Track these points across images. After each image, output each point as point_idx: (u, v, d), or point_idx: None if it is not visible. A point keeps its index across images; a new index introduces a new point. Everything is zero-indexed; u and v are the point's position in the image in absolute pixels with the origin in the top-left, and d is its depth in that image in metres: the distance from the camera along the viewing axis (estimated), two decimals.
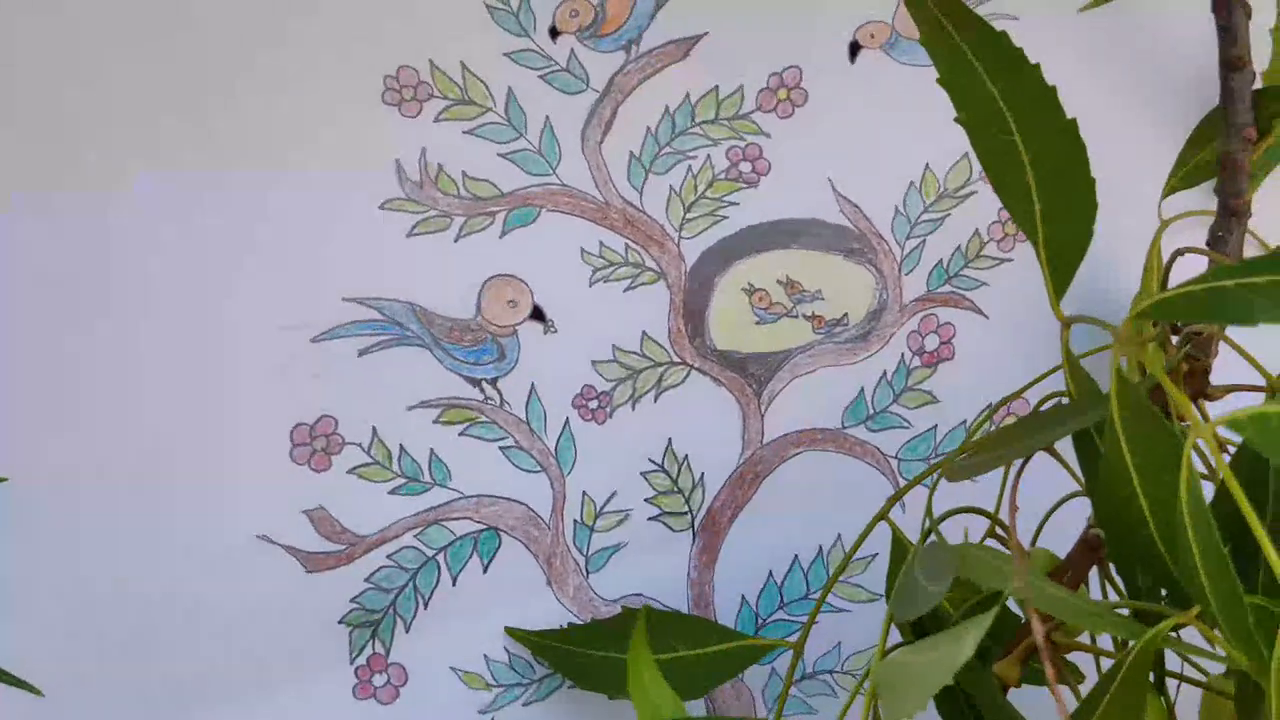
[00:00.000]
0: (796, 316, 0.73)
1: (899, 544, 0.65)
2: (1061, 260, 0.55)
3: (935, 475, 0.60)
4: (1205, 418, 0.60)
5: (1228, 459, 0.53)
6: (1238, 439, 0.46)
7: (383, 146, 0.69)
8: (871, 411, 0.74)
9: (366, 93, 0.68)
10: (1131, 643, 0.48)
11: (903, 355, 0.74)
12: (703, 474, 0.73)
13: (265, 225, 0.67)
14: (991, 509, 0.63)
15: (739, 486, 0.73)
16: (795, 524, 0.74)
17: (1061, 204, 0.54)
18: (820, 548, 0.74)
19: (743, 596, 0.74)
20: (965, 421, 0.75)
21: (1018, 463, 0.56)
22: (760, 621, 0.74)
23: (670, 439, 0.73)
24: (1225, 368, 0.64)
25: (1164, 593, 0.54)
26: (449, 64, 0.69)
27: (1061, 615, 0.48)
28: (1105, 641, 0.62)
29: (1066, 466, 0.60)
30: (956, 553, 0.52)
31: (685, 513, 0.73)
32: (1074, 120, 0.53)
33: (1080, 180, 0.54)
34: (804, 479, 0.74)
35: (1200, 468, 0.49)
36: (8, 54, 0.64)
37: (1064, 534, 0.62)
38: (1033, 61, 0.53)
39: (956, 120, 0.54)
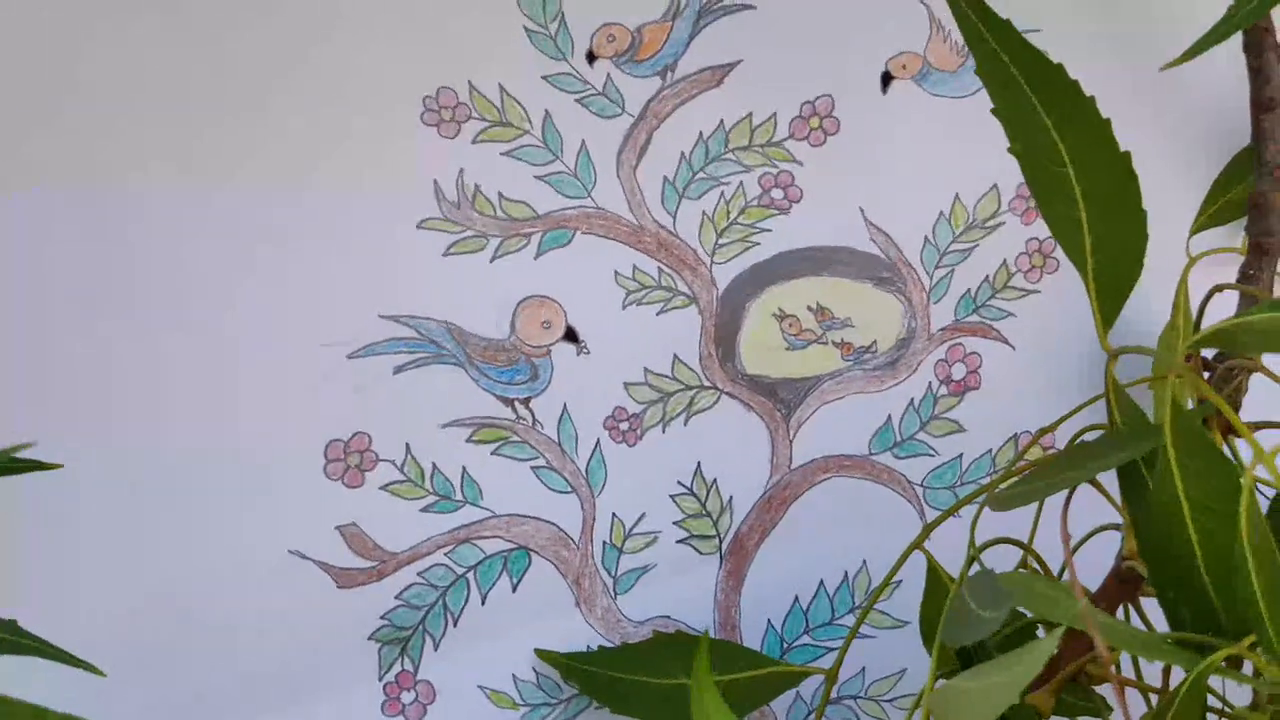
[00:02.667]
0: (826, 343, 0.74)
1: (934, 573, 0.65)
2: (1110, 292, 0.56)
3: (978, 504, 0.60)
4: (1236, 453, 0.61)
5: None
6: None
7: (421, 166, 0.69)
8: (898, 439, 0.75)
9: (406, 113, 0.69)
10: (1176, 675, 0.49)
11: (930, 384, 0.75)
12: (731, 497, 0.73)
13: (303, 242, 0.67)
14: (1020, 538, 0.63)
15: (767, 511, 0.74)
16: (822, 549, 0.75)
17: (1112, 236, 0.55)
18: (846, 573, 0.75)
19: (769, 620, 0.74)
20: (991, 450, 0.76)
21: (1063, 494, 0.56)
22: (786, 646, 0.74)
23: (699, 462, 0.73)
24: (1249, 407, 0.65)
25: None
26: (487, 86, 0.69)
27: (1120, 644, 0.48)
28: (1128, 672, 0.62)
29: (1108, 497, 0.60)
30: (1011, 581, 0.52)
31: (713, 536, 0.73)
32: (1128, 153, 0.54)
33: (1132, 213, 0.55)
34: (831, 504, 0.74)
35: None
36: (58, 63, 0.64)
37: (1086, 566, 0.62)
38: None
39: (1010, 151, 0.55)
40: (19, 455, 0.50)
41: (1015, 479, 0.59)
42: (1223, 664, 0.50)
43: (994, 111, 0.55)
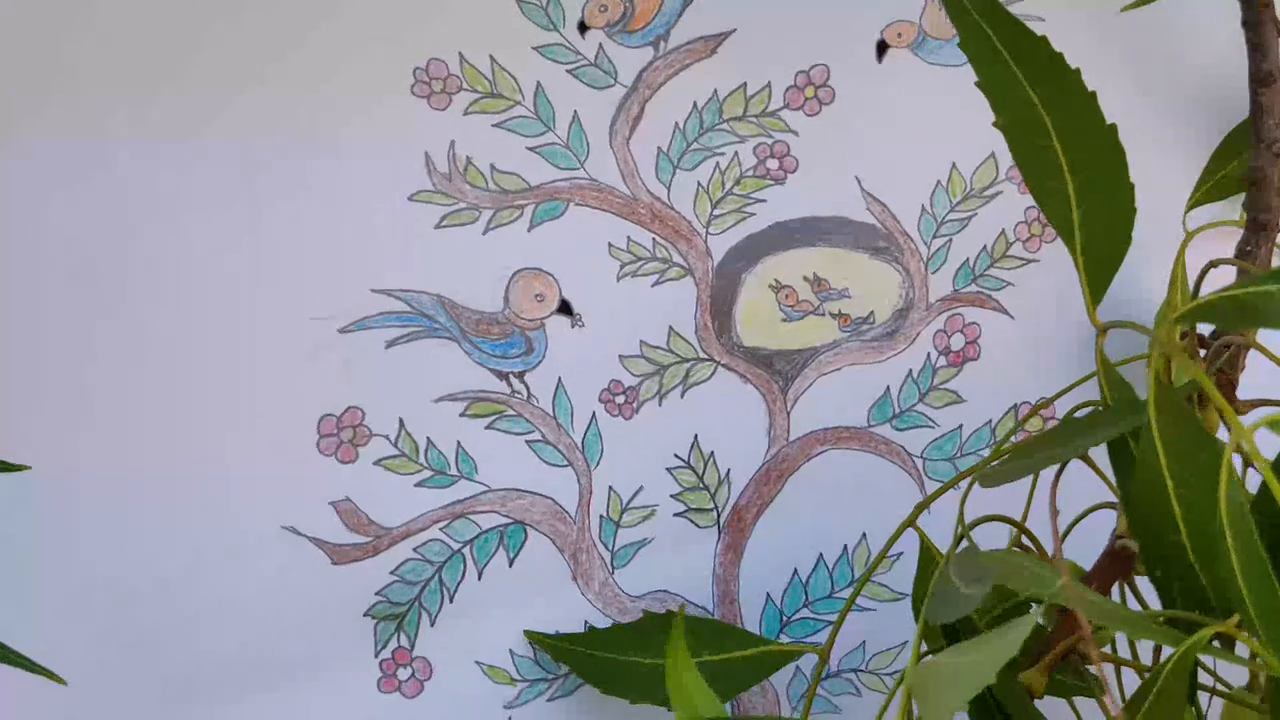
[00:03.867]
0: (823, 314, 0.73)
1: (926, 550, 0.65)
2: (1099, 266, 0.55)
3: (967, 481, 0.59)
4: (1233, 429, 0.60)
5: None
6: (1271, 452, 0.46)
7: (412, 138, 0.69)
8: (897, 410, 0.75)
9: (396, 85, 0.68)
10: (1166, 654, 0.49)
11: (928, 354, 0.74)
12: (728, 470, 0.73)
13: (294, 215, 0.67)
14: (1016, 515, 0.63)
15: (764, 483, 0.73)
16: (820, 522, 0.74)
17: (1100, 210, 0.54)
18: (845, 546, 0.74)
19: (768, 594, 0.74)
20: (990, 421, 0.75)
21: (1053, 469, 0.56)
22: (785, 619, 0.74)
23: (696, 435, 0.73)
24: (1247, 384, 0.64)
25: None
26: (478, 57, 0.69)
27: (1105, 622, 0.48)
28: (1124, 652, 0.62)
29: (1100, 474, 0.60)
30: (995, 559, 0.52)
31: (711, 509, 0.73)
32: (1114, 126, 0.53)
33: (1119, 187, 0.54)
34: (829, 477, 0.74)
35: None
36: (54, 33, 0.64)
37: (1083, 546, 0.62)
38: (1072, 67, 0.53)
39: (995, 125, 0.54)
40: None
41: (1005, 456, 0.58)
42: (1214, 643, 0.49)
43: (978, 85, 0.54)
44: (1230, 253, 0.68)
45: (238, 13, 0.66)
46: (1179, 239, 0.67)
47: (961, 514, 0.60)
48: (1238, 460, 0.49)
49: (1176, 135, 0.75)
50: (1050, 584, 0.49)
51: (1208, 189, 0.74)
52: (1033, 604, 0.62)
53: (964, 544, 0.59)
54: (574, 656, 0.69)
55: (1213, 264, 0.64)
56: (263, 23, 0.66)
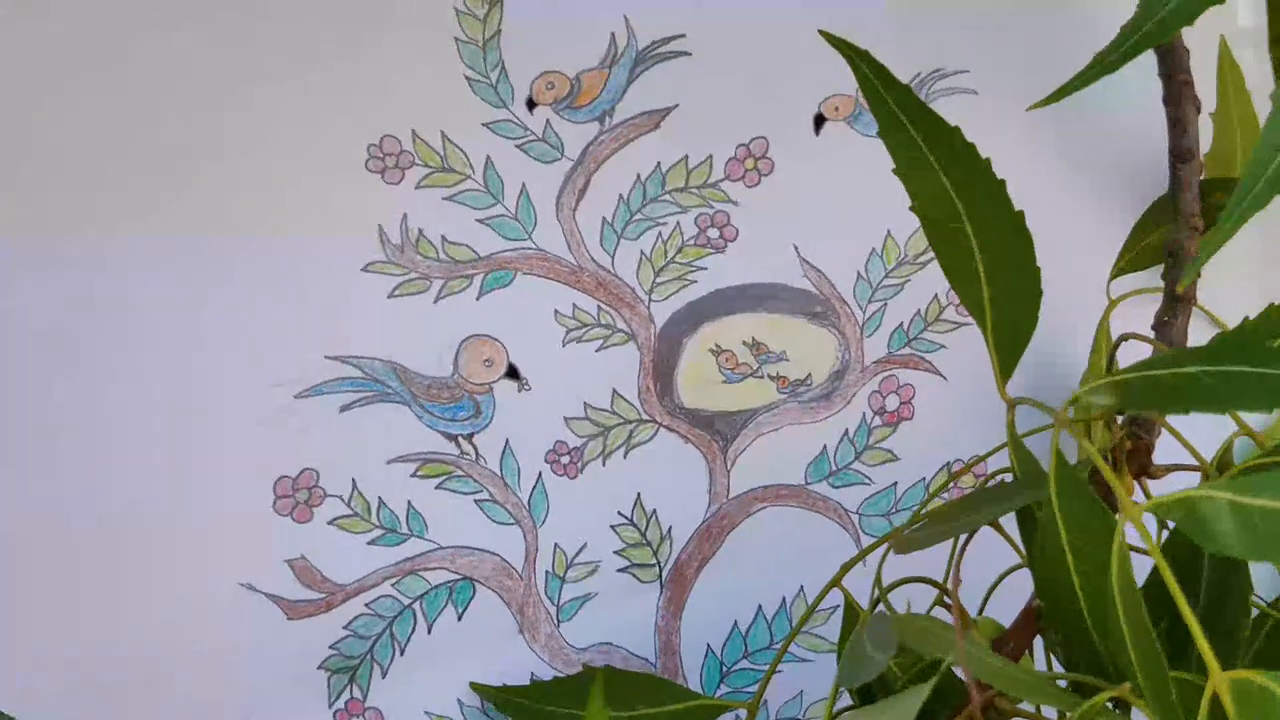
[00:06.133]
0: (762, 377, 0.76)
1: (850, 609, 0.67)
2: (1007, 344, 0.58)
3: (885, 546, 0.62)
4: (1148, 495, 0.62)
5: (1166, 535, 0.56)
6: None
7: (366, 212, 0.71)
8: (834, 468, 0.77)
9: (351, 160, 0.71)
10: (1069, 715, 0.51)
11: (864, 414, 0.77)
12: (670, 527, 0.76)
13: (253, 286, 0.69)
14: (940, 577, 0.65)
15: (705, 540, 0.76)
16: (759, 576, 0.77)
17: (1008, 291, 0.57)
18: (784, 599, 0.77)
19: (708, 645, 0.76)
20: (924, 479, 0.78)
21: (964, 536, 0.58)
22: (725, 670, 0.76)
23: (639, 493, 0.75)
24: (1169, 445, 0.66)
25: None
26: (430, 133, 0.72)
27: (999, 685, 0.50)
28: (1049, 712, 0.64)
29: (1010, 541, 0.62)
30: (901, 623, 0.54)
31: (653, 564, 0.75)
32: (1021, 213, 0.56)
33: (1026, 269, 0.56)
34: (768, 533, 0.77)
35: (1142, 544, 0.51)
36: (12, 120, 0.66)
37: (1013, 604, 0.64)
38: (986, 150, 0.55)
39: (911, 209, 0.57)
40: None
41: (922, 521, 0.61)
42: (1111, 707, 0.52)
43: (895, 172, 0.57)
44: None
45: (198, 89, 0.68)
46: (1104, 306, 0.69)
47: (879, 577, 0.62)
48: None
49: (1103, 204, 0.78)
50: (948, 646, 0.51)
51: (1131, 259, 0.76)
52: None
53: (880, 607, 0.61)
54: (517, 708, 0.71)
55: (1124, 338, 0.66)
56: (220, 101, 0.69)
